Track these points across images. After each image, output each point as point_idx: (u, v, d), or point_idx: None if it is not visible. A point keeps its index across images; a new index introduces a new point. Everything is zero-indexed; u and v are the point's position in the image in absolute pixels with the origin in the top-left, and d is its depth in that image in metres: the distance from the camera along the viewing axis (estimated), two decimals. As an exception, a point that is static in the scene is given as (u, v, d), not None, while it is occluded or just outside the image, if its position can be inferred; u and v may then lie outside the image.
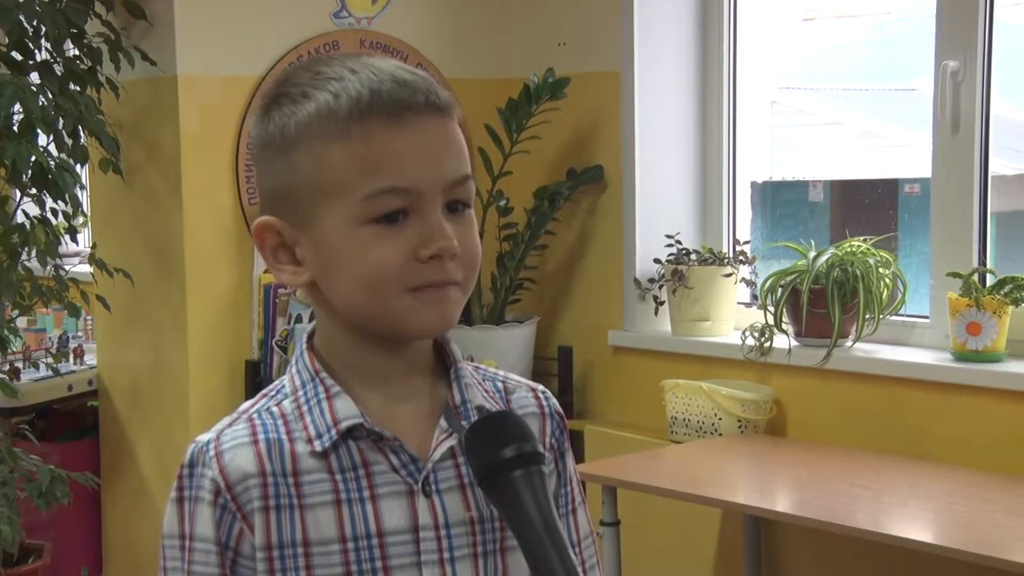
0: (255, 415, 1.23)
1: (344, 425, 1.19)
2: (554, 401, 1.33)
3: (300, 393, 1.22)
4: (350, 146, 1.15)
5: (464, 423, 1.22)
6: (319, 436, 1.19)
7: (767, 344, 3.34)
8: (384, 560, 1.19)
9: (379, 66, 1.18)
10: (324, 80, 1.17)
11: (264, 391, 1.26)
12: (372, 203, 1.15)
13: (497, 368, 1.35)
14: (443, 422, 1.23)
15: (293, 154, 1.18)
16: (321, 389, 1.21)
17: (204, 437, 1.21)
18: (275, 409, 1.23)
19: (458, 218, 1.19)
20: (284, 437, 1.20)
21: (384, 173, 1.15)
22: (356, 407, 1.20)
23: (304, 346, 1.25)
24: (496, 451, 1.14)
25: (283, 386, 1.24)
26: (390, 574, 1.19)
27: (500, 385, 1.30)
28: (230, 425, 1.22)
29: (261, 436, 1.20)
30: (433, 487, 1.21)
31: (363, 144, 1.15)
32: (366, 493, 1.19)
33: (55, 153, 3.35)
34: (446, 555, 1.20)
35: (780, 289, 3.31)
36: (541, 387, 1.33)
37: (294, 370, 1.24)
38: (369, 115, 1.15)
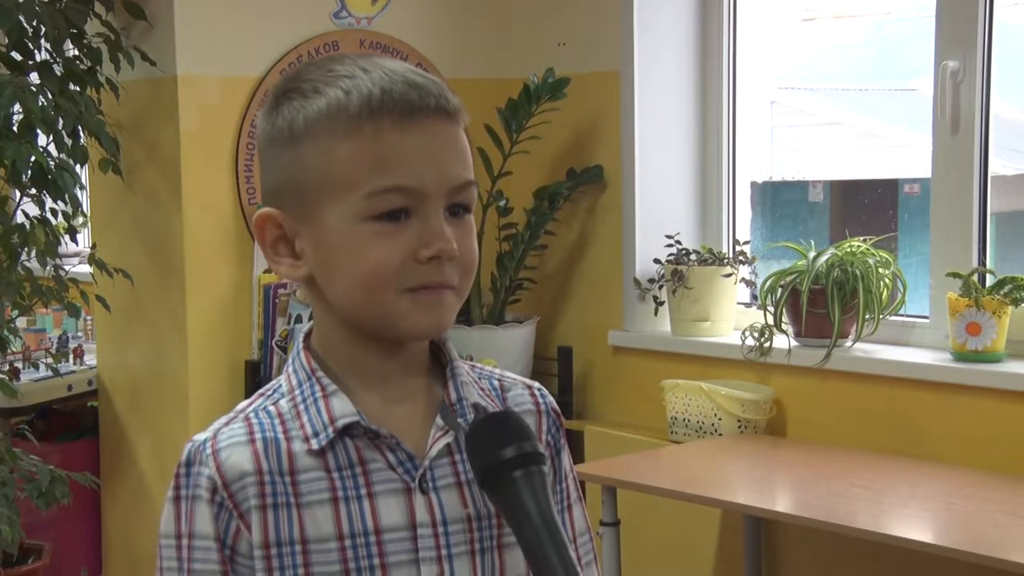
0: (252, 414, 1.23)
1: (341, 423, 1.19)
2: (550, 398, 1.33)
3: (297, 392, 1.23)
4: (358, 143, 1.16)
5: (460, 420, 1.23)
6: (316, 434, 1.20)
7: (767, 344, 3.34)
8: (382, 557, 1.19)
9: (391, 67, 1.19)
10: (336, 77, 1.18)
11: (261, 390, 1.27)
12: (375, 200, 1.16)
13: (495, 368, 1.35)
14: (439, 420, 1.23)
15: (300, 148, 1.18)
16: (318, 388, 1.22)
17: (201, 436, 1.22)
18: (272, 408, 1.23)
19: (458, 222, 1.20)
20: (281, 436, 1.21)
21: (390, 171, 1.16)
22: (352, 405, 1.20)
23: (301, 345, 1.25)
24: (496, 451, 1.14)
25: (280, 385, 1.25)
26: (388, 571, 1.19)
27: (496, 383, 1.31)
28: (227, 424, 1.23)
29: (258, 435, 1.21)
30: (430, 484, 1.21)
31: (371, 142, 1.16)
32: (363, 491, 1.19)
33: (55, 153, 3.35)
34: (443, 552, 1.21)
35: (780, 289, 3.31)
36: (537, 384, 1.33)
37: (291, 369, 1.25)
38: (379, 114, 1.16)
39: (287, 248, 1.22)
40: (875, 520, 2.61)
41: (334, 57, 1.22)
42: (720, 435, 3.33)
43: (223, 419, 1.24)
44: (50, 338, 4.39)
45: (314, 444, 1.19)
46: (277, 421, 1.22)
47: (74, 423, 4.27)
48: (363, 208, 1.16)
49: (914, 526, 2.69)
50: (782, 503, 2.90)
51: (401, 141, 1.16)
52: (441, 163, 1.18)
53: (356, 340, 1.22)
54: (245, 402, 1.26)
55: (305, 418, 1.21)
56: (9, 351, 3.68)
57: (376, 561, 1.19)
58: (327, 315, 1.23)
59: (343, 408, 1.20)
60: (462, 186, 1.20)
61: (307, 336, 1.26)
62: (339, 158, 1.16)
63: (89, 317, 4.52)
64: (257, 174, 3.68)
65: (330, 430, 1.19)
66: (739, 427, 3.32)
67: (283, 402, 1.23)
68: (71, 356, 4.15)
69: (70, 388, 4.06)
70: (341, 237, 1.17)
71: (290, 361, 1.25)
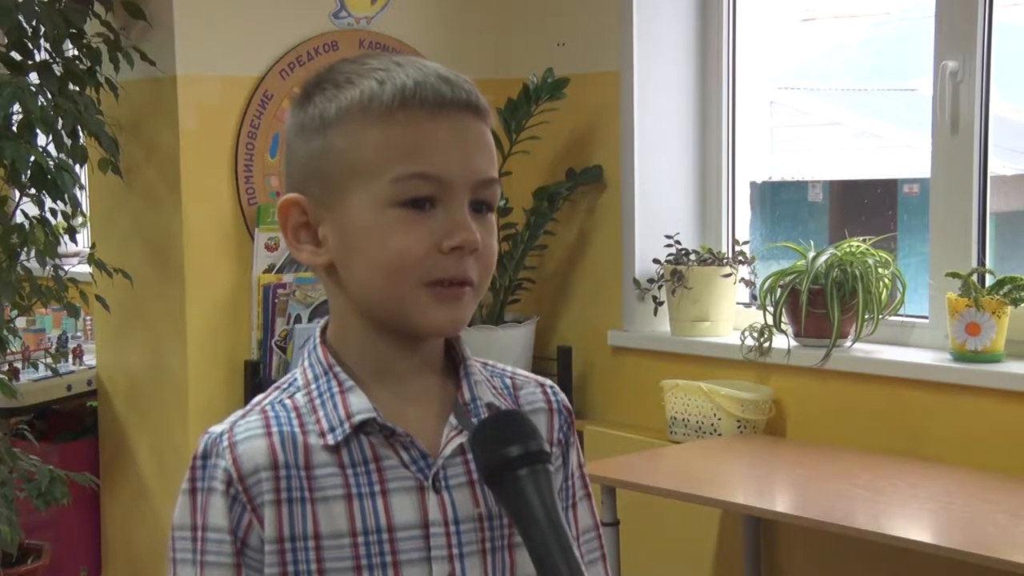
0: (268, 407, 1.24)
1: (357, 419, 1.20)
2: (562, 396, 1.34)
3: (313, 387, 1.23)
4: (389, 130, 1.18)
5: (474, 420, 1.23)
6: (332, 430, 1.20)
7: (766, 344, 3.34)
8: (394, 555, 1.19)
9: (423, 63, 1.22)
10: (371, 70, 1.21)
11: (276, 384, 1.27)
12: (402, 185, 1.18)
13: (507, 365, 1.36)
14: (453, 419, 1.23)
15: (330, 135, 1.20)
16: (335, 383, 1.22)
17: (217, 428, 1.22)
18: (288, 402, 1.23)
19: (481, 219, 1.21)
20: (297, 430, 1.21)
21: (418, 158, 1.18)
22: (369, 402, 1.21)
23: (317, 339, 1.26)
24: (502, 449, 1.14)
25: (295, 379, 1.25)
26: (400, 568, 1.19)
27: (508, 381, 1.31)
28: (243, 416, 1.23)
29: (275, 428, 1.21)
30: (443, 483, 1.22)
31: (402, 129, 1.18)
32: (377, 488, 1.20)
33: (54, 153, 3.34)
34: (455, 551, 1.21)
35: (779, 289, 3.32)
36: (549, 382, 1.34)
37: (307, 363, 1.25)
38: (412, 104, 1.18)
39: (309, 235, 1.23)
40: (875, 520, 2.62)
41: (369, 54, 1.26)
42: (720, 435, 3.33)
43: (239, 412, 1.24)
44: (49, 338, 4.38)
45: (330, 439, 1.20)
46: (293, 415, 1.22)
47: (73, 423, 4.27)
48: (389, 193, 1.18)
49: (914, 526, 2.69)
50: (782, 503, 2.90)
51: (431, 131, 1.18)
52: (468, 156, 1.20)
53: (373, 333, 1.23)
54: (261, 395, 1.26)
55: (321, 413, 1.21)
56: (8, 351, 3.67)
57: (388, 559, 1.19)
58: (346, 306, 1.24)
59: (360, 404, 1.20)
60: (487, 182, 1.21)
61: (323, 330, 1.26)
62: (369, 144, 1.18)
63: (88, 317, 4.51)
64: (258, 174, 3.72)
65: (346, 425, 1.20)
66: (738, 427, 3.33)
67: (299, 396, 1.23)
68: (70, 356, 4.15)
69: (69, 388, 4.05)
70: (365, 222, 1.18)
71: (306, 355, 1.26)
